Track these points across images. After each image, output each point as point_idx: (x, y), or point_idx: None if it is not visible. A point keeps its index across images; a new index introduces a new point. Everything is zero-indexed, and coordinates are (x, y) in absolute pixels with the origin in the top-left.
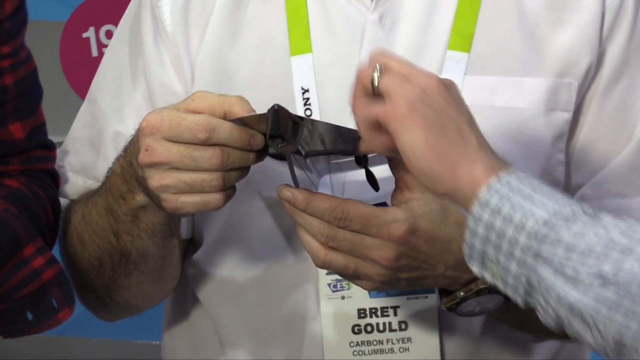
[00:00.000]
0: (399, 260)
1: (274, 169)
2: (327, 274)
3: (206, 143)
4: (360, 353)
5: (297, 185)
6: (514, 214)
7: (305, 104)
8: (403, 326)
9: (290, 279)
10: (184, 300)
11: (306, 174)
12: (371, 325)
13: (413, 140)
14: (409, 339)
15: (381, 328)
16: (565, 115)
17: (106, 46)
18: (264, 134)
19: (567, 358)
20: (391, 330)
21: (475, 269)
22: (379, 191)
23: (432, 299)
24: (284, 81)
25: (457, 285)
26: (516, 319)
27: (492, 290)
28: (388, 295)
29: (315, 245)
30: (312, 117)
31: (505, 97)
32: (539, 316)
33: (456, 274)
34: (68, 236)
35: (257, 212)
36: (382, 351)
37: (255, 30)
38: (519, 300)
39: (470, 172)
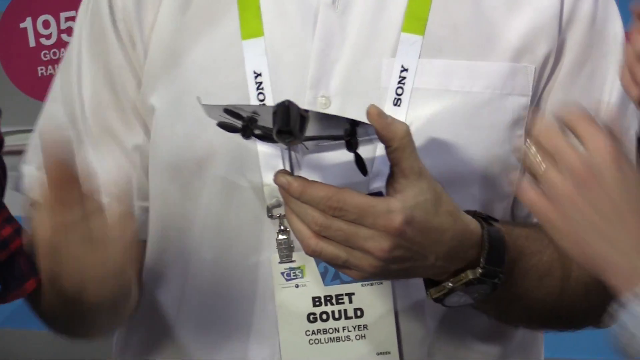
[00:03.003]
0: (393, 252)
1: (224, 150)
2: (279, 262)
3: None
4: (317, 341)
5: (292, 172)
6: None
7: (257, 88)
8: (359, 313)
9: (243, 268)
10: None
11: (294, 155)
12: (326, 313)
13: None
14: (365, 326)
15: (337, 316)
16: (523, 100)
17: (43, 36)
18: (255, 126)
19: (521, 346)
20: (347, 317)
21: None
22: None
23: (387, 285)
24: (236, 65)
25: (444, 275)
26: (497, 309)
27: (480, 280)
28: (342, 282)
29: (306, 232)
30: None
31: (460, 80)
32: None
33: (446, 264)
34: None
35: (207, 199)
36: (338, 339)
37: (206, 14)
38: None
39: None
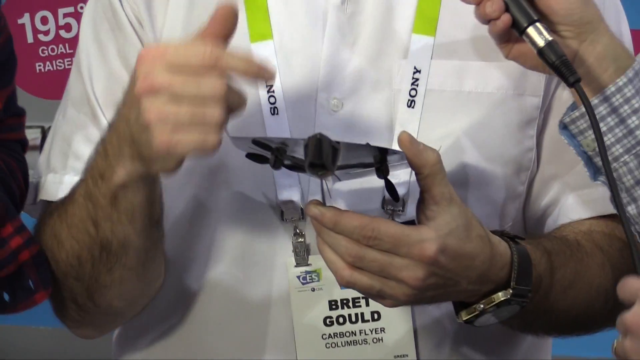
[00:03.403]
0: (427, 280)
1: (238, 161)
2: (295, 266)
3: (213, 69)
4: (333, 345)
5: (325, 202)
6: None
7: (268, 92)
8: (376, 316)
9: (259, 273)
10: None
11: (325, 183)
12: (343, 316)
13: None
14: (382, 329)
15: (353, 319)
16: (535, 100)
17: (41, 32)
18: (284, 160)
19: (533, 346)
20: (364, 321)
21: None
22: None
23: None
24: None
25: (474, 297)
26: (522, 323)
27: (510, 301)
28: None
29: (340, 264)
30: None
31: (473, 81)
32: None
33: (477, 287)
34: (43, 240)
35: (223, 205)
36: (355, 342)
37: None
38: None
39: None
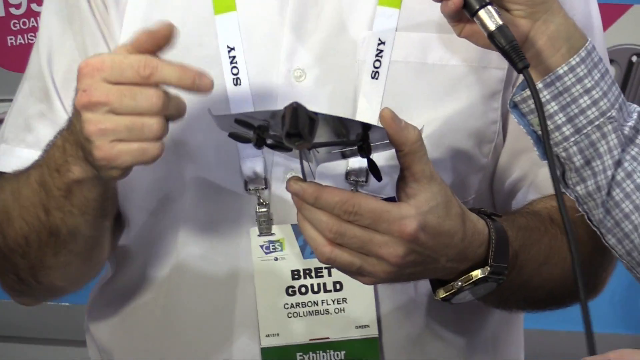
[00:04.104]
0: (407, 257)
1: (202, 133)
2: (258, 235)
3: (148, 81)
4: (295, 315)
5: (305, 178)
6: None
7: (231, 62)
8: (338, 286)
9: (225, 243)
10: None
11: (308, 165)
12: (305, 286)
13: None
14: (344, 300)
15: (315, 289)
16: (499, 73)
17: (13, 6)
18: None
19: (503, 318)
20: (326, 291)
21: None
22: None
23: None
24: (209, 40)
25: (452, 275)
26: (498, 299)
27: (488, 278)
28: None
29: (320, 240)
30: (321, 112)
31: (437, 54)
32: None
33: (455, 265)
34: None
35: (188, 178)
36: (317, 312)
37: None
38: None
39: None
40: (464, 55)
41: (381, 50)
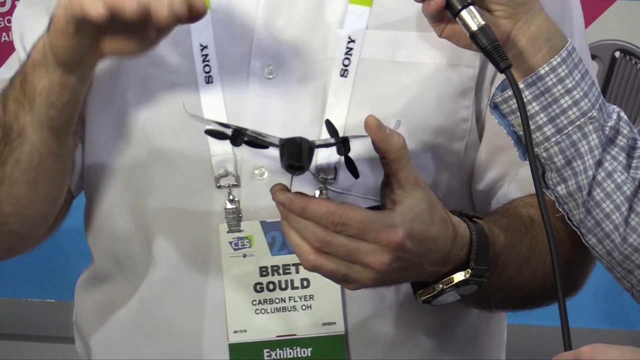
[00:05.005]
0: (393, 264)
1: (173, 127)
2: (227, 232)
3: None
4: (263, 311)
5: (290, 188)
6: None
7: (204, 61)
8: (305, 284)
9: (196, 239)
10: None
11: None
12: (273, 283)
13: None
14: (311, 297)
15: (283, 286)
16: (470, 71)
17: None
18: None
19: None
20: (293, 287)
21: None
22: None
23: None
24: (183, 38)
25: (433, 277)
26: (478, 301)
27: (469, 281)
28: (290, 252)
29: (306, 248)
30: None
31: (407, 51)
32: None
33: (437, 269)
34: None
35: (159, 173)
36: (284, 309)
37: None
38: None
39: None
40: (435, 53)
41: (351, 49)
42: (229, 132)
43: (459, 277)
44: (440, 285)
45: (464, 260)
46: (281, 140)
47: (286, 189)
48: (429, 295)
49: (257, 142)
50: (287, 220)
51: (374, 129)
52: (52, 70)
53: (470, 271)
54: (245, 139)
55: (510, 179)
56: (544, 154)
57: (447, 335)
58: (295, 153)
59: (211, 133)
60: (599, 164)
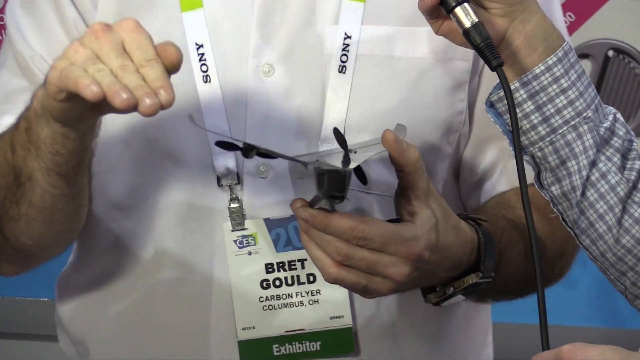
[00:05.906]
0: (411, 275)
1: (175, 130)
2: (232, 230)
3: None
4: (270, 307)
5: (313, 204)
6: None
7: (200, 60)
8: (311, 279)
9: (200, 239)
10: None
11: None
12: (279, 279)
13: None
14: (318, 291)
15: (290, 282)
16: (464, 65)
17: None
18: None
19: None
20: (300, 283)
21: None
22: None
23: None
24: (177, 38)
25: (444, 281)
26: (478, 297)
27: (479, 283)
28: (295, 248)
29: (327, 262)
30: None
31: (403, 46)
32: None
33: (449, 275)
34: None
35: (162, 174)
36: (292, 304)
37: None
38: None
39: None
40: (430, 47)
41: (347, 45)
42: (239, 144)
43: (470, 280)
44: (452, 289)
45: (472, 263)
46: (318, 168)
47: (307, 205)
48: (439, 299)
49: (268, 153)
50: (309, 234)
51: (392, 144)
52: (53, 123)
53: (480, 274)
54: (259, 150)
55: (499, 170)
56: (539, 154)
57: (446, 319)
58: (339, 184)
59: (222, 145)
60: (593, 164)
